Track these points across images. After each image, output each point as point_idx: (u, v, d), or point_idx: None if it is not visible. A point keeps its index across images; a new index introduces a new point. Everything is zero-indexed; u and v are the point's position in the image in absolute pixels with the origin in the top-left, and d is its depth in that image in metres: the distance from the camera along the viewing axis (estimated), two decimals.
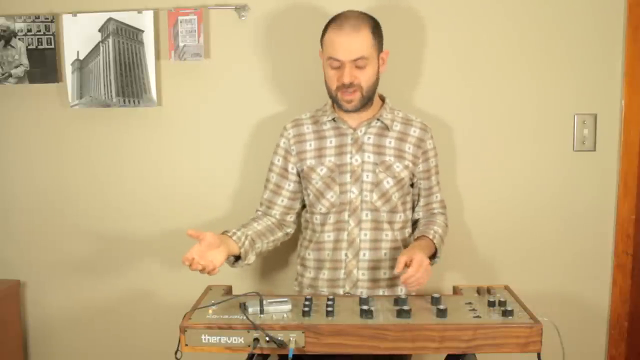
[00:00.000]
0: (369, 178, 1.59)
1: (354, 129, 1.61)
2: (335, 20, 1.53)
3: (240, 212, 1.97)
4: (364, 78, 1.52)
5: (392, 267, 1.61)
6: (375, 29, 1.54)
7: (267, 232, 1.62)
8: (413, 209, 1.72)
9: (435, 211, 1.72)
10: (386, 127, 1.62)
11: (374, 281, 1.60)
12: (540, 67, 1.87)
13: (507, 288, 1.49)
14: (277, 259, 1.95)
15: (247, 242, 1.51)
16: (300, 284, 1.69)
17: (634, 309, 1.93)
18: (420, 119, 1.68)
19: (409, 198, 1.68)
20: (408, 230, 1.68)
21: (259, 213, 1.70)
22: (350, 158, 1.60)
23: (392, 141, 1.62)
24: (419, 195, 1.70)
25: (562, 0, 1.84)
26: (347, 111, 1.57)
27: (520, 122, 1.90)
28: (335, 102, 1.58)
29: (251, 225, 1.60)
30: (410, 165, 1.62)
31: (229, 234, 1.50)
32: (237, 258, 1.51)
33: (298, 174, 1.67)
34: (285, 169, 1.67)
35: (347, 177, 1.60)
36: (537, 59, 1.87)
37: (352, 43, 1.48)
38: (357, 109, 1.56)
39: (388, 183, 1.60)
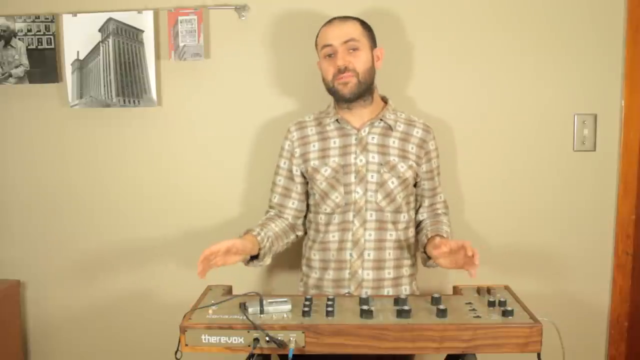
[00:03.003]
0: (373, 178, 1.59)
1: (358, 129, 1.61)
2: (326, 22, 1.61)
3: (242, 211, 1.98)
4: (358, 62, 1.55)
5: (397, 267, 1.62)
6: (365, 24, 1.61)
7: (282, 235, 1.64)
8: (417, 209, 1.72)
9: (440, 211, 1.72)
10: (390, 128, 1.62)
11: (379, 281, 1.60)
12: (540, 67, 1.87)
13: (507, 288, 1.49)
14: (277, 259, 1.95)
15: (267, 244, 1.54)
16: (306, 284, 1.69)
17: (634, 309, 1.93)
18: (422, 120, 1.69)
19: (412, 198, 1.68)
20: (411, 230, 1.68)
21: (272, 214, 1.70)
22: (355, 158, 1.60)
23: (395, 141, 1.62)
24: (422, 196, 1.70)
25: (562, 1, 1.84)
26: (345, 99, 1.57)
27: (520, 122, 1.90)
28: (334, 94, 1.60)
29: (269, 226, 1.60)
30: (414, 165, 1.63)
31: (254, 234, 1.52)
32: (253, 257, 1.52)
33: (302, 175, 1.67)
34: (291, 171, 1.67)
35: (352, 178, 1.60)
36: (537, 59, 1.87)
37: (342, 28, 1.56)
38: (354, 95, 1.56)
39: (393, 183, 1.60)
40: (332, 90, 1.60)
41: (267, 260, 1.56)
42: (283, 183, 1.69)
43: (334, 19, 1.60)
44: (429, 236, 1.57)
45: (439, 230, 1.59)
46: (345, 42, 1.54)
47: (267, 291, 1.98)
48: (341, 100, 1.59)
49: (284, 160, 1.68)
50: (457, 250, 1.40)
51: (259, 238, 1.51)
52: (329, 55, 1.57)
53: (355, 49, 1.55)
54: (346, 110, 1.62)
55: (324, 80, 1.61)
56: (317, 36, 1.62)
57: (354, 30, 1.57)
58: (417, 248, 1.68)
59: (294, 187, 1.68)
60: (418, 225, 1.73)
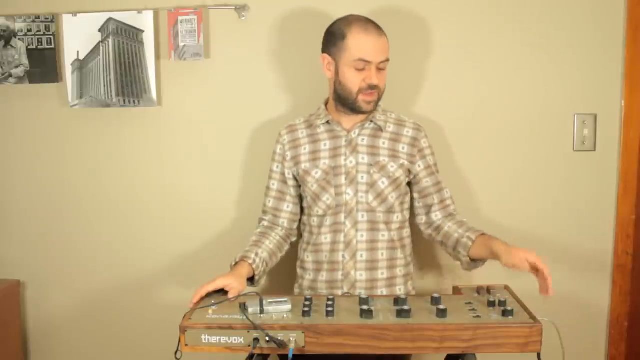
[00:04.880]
0: (363, 179, 1.59)
1: (348, 131, 1.61)
2: (355, 23, 1.53)
3: (242, 211, 1.98)
4: (383, 81, 1.57)
5: (390, 267, 1.62)
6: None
7: (277, 250, 1.65)
8: (428, 209, 1.66)
9: (452, 209, 1.67)
10: (380, 129, 1.62)
11: (372, 282, 1.60)
12: (540, 67, 1.87)
13: (507, 288, 1.50)
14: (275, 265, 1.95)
15: (262, 270, 1.55)
16: (301, 286, 1.70)
17: (634, 309, 1.93)
18: (413, 120, 1.68)
19: (407, 198, 1.67)
20: (406, 230, 1.68)
21: (265, 223, 1.70)
22: (345, 160, 1.60)
23: (385, 142, 1.62)
24: (428, 194, 1.65)
25: (562, 1, 1.84)
26: (361, 112, 1.58)
27: (520, 122, 1.90)
28: (351, 105, 1.57)
29: (264, 245, 1.61)
30: (406, 163, 1.62)
31: (249, 262, 1.52)
32: (248, 279, 1.53)
33: (295, 179, 1.67)
34: (284, 175, 1.68)
35: (342, 179, 1.60)
36: (537, 59, 1.87)
37: (381, 45, 1.53)
38: (372, 111, 1.59)
39: (383, 183, 1.60)
40: (351, 101, 1.56)
41: (262, 282, 1.59)
42: (277, 187, 1.69)
43: (369, 25, 1.53)
44: (473, 239, 1.53)
45: (475, 230, 1.56)
46: (382, 61, 1.53)
47: (265, 292, 1.98)
48: (356, 112, 1.58)
49: (277, 164, 1.69)
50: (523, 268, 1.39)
51: (254, 266, 1.52)
52: (360, 68, 1.52)
53: (384, 69, 1.55)
54: (342, 114, 1.62)
55: (343, 86, 1.55)
56: (347, 36, 1.51)
57: (387, 47, 1.55)
58: (456, 255, 1.59)
59: (287, 190, 1.68)
60: (437, 228, 1.65)
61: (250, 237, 1.64)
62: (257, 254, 1.55)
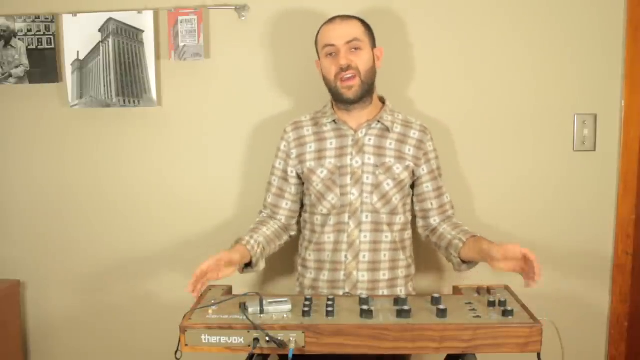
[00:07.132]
0: (369, 180, 1.59)
1: (355, 131, 1.61)
2: (327, 20, 1.61)
3: (241, 212, 1.98)
4: (361, 62, 1.55)
5: (392, 269, 1.62)
6: (366, 24, 1.61)
7: (275, 238, 1.64)
8: (426, 213, 1.67)
9: (450, 213, 1.68)
10: (387, 129, 1.62)
11: (374, 282, 1.60)
12: (540, 67, 1.87)
13: (507, 288, 1.49)
14: (276, 259, 1.95)
15: (258, 250, 1.53)
16: (302, 284, 1.70)
17: (634, 309, 1.93)
18: (420, 121, 1.68)
19: (409, 200, 1.68)
20: (408, 232, 1.68)
21: (264, 216, 1.70)
22: (351, 160, 1.60)
23: (392, 143, 1.62)
24: (428, 198, 1.66)
25: (562, 1, 1.84)
26: (348, 102, 1.57)
27: (520, 122, 1.90)
28: (336, 95, 1.59)
29: (261, 231, 1.60)
30: (412, 165, 1.62)
31: (243, 243, 1.51)
32: (247, 264, 1.52)
33: (298, 177, 1.67)
34: (286, 172, 1.67)
35: (348, 179, 1.60)
36: (537, 59, 1.87)
37: (344, 28, 1.56)
38: (358, 97, 1.56)
39: (388, 185, 1.60)
40: (334, 91, 1.59)
41: (262, 265, 1.56)
42: (277, 184, 1.69)
43: (336, 17, 1.59)
44: (464, 240, 1.52)
45: (468, 232, 1.55)
46: (348, 42, 1.54)
47: (266, 291, 1.98)
48: (344, 102, 1.58)
49: (280, 160, 1.69)
50: (514, 257, 1.36)
51: (248, 247, 1.50)
52: (331, 54, 1.56)
53: (357, 49, 1.55)
54: (344, 111, 1.62)
55: (325, 79, 1.61)
56: (317, 34, 1.62)
57: (357, 29, 1.56)
58: (448, 256, 1.60)
59: (288, 188, 1.68)
60: (433, 230, 1.66)
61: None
62: (251, 237, 1.54)
